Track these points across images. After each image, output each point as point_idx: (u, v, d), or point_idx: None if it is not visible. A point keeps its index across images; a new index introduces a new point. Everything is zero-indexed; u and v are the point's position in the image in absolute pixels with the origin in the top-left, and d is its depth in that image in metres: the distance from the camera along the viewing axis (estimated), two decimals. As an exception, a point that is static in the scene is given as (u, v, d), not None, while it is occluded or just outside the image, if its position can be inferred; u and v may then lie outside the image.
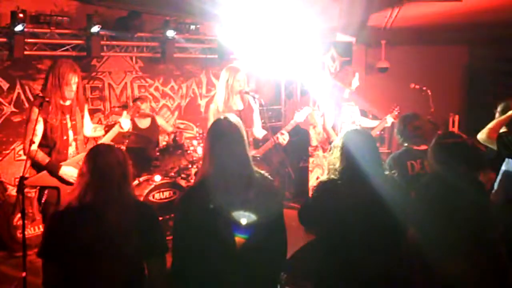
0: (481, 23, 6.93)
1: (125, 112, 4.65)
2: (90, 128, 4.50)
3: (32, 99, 5.49)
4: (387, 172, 3.17)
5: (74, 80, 4.16)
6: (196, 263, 2.53)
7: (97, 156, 2.71)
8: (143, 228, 2.65)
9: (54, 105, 4.00)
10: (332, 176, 3.02)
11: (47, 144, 4.01)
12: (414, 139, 4.31)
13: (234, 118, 2.73)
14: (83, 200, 2.60)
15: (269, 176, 2.73)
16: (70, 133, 4.17)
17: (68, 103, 4.04)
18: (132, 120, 6.37)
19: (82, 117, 4.33)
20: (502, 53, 7.93)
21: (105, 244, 2.54)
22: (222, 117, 2.71)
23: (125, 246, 2.57)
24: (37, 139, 3.93)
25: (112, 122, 4.62)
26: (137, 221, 2.63)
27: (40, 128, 3.95)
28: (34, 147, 3.90)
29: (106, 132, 4.49)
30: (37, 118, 3.92)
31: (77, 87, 4.22)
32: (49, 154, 4.06)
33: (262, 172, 2.71)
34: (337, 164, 3.02)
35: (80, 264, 2.55)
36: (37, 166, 4.01)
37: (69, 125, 4.15)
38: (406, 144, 4.34)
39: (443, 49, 8.41)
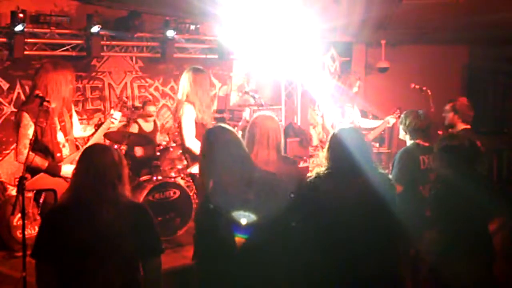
0: (481, 23, 6.93)
1: (112, 110, 4.62)
2: (79, 128, 4.44)
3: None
4: (381, 171, 3.18)
5: (72, 79, 4.16)
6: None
7: (92, 155, 2.69)
8: (138, 229, 2.63)
9: (44, 108, 3.92)
10: (319, 172, 3.02)
11: (39, 148, 3.97)
12: (423, 135, 4.37)
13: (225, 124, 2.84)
14: (77, 200, 2.59)
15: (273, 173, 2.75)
16: (60, 134, 4.13)
17: (54, 105, 3.99)
18: (138, 124, 6.43)
19: (71, 116, 4.28)
20: (502, 53, 7.93)
21: (99, 244, 2.52)
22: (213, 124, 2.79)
23: (120, 246, 2.55)
24: (28, 143, 3.89)
25: (100, 123, 4.56)
26: (132, 222, 2.61)
27: (31, 133, 3.92)
28: (27, 152, 3.87)
29: (97, 130, 4.43)
30: (28, 123, 3.91)
31: None
32: (44, 158, 4.02)
33: (269, 172, 2.73)
34: (325, 161, 3.04)
35: (73, 264, 2.53)
36: (33, 170, 3.97)
37: (58, 127, 4.11)
38: (414, 140, 4.38)
39: (443, 49, 8.41)
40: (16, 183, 4.70)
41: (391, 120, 6.12)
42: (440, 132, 5.73)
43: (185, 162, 5.27)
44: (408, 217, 3.33)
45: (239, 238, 2.57)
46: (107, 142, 5.92)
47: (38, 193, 4.03)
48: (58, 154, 4.06)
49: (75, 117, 4.38)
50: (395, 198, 3.09)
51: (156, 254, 2.72)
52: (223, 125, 2.87)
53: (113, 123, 4.42)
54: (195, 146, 4.67)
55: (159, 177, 5.78)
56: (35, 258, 2.60)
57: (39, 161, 3.93)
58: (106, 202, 2.58)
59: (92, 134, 4.38)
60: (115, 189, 2.61)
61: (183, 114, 4.70)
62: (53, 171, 3.98)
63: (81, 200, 2.58)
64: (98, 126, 4.46)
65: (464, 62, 8.92)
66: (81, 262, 2.53)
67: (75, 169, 2.73)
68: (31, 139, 3.84)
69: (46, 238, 2.58)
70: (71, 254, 2.52)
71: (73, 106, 4.42)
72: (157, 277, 2.73)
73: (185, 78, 4.79)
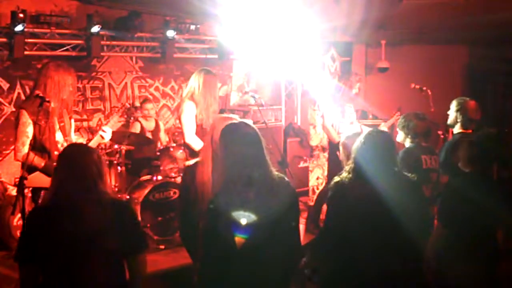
0: (481, 23, 6.93)
1: (112, 118, 4.65)
2: (74, 139, 4.49)
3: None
4: (408, 174, 3.19)
5: (73, 83, 4.19)
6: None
7: (70, 154, 2.73)
8: (121, 225, 2.63)
9: (44, 108, 3.94)
10: (342, 176, 3.05)
11: (37, 147, 3.98)
12: (423, 136, 4.38)
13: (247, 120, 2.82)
14: (58, 199, 2.59)
15: (283, 176, 2.74)
16: (59, 134, 4.14)
17: (53, 105, 4.01)
18: (139, 121, 6.45)
19: (70, 118, 4.32)
20: (502, 53, 7.93)
21: (83, 243, 2.51)
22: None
23: (103, 244, 2.55)
24: (28, 141, 3.92)
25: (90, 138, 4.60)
26: (115, 219, 2.62)
27: (30, 131, 3.94)
28: (26, 149, 3.89)
29: (87, 143, 4.46)
30: (27, 121, 3.92)
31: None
32: (40, 156, 4.03)
33: (275, 172, 2.72)
34: (349, 166, 3.07)
35: (58, 264, 2.53)
36: (30, 169, 3.96)
37: (57, 126, 4.13)
38: (414, 140, 4.38)
39: (443, 49, 8.41)
40: (15, 182, 4.70)
41: (385, 126, 6.14)
42: (440, 132, 5.74)
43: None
44: (416, 219, 3.32)
45: (239, 238, 2.57)
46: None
47: (36, 193, 4.03)
48: (56, 153, 4.07)
49: (73, 126, 4.42)
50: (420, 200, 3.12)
51: (140, 250, 2.72)
52: (245, 121, 2.86)
53: (103, 138, 4.42)
54: (194, 142, 4.76)
55: (159, 177, 5.78)
56: (19, 260, 2.58)
57: (37, 160, 3.94)
58: (87, 200, 2.58)
59: None
60: (96, 187, 2.62)
61: (183, 110, 4.79)
62: (49, 170, 3.99)
63: (62, 199, 2.58)
64: (89, 141, 4.50)
65: (464, 62, 8.92)
66: (65, 262, 2.52)
67: (55, 169, 2.74)
68: (31, 139, 3.86)
69: (29, 239, 2.58)
70: (55, 254, 2.52)
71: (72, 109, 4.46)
72: (141, 274, 2.72)
73: (196, 79, 4.86)
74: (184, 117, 4.78)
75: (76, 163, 2.64)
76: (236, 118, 3.38)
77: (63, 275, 2.53)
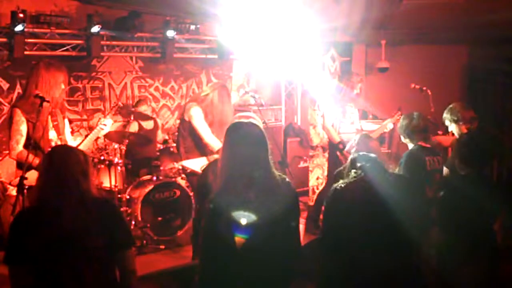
0: (481, 23, 6.92)
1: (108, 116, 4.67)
2: (70, 138, 4.49)
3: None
4: (399, 171, 3.25)
5: (64, 81, 4.20)
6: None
7: (54, 155, 2.73)
8: (106, 223, 2.64)
9: (44, 107, 3.95)
10: (341, 181, 3.09)
11: (31, 145, 3.99)
12: (424, 137, 4.39)
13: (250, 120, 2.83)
14: (42, 200, 2.61)
15: (284, 176, 2.75)
16: (53, 132, 4.15)
17: (45, 104, 4.02)
18: (138, 122, 6.45)
19: (64, 117, 4.32)
20: (502, 53, 7.92)
21: (68, 242, 2.52)
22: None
23: (89, 243, 2.56)
24: (23, 139, 3.93)
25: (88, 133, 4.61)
26: (99, 217, 2.63)
27: (24, 129, 3.95)
28: (20, 147, 3.89)
29: (86, 137, 4.47)
30: (20, 119, 3.93)
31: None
32: (34, 154, 4.03)
33: (277, 173, 2.72)
34: (347, 168, 3.13)
35: (46, 265, 2.53)
36: (27, 168, 3.97)
37: (50, 125, 4.14)
38: (415, 142, 4.39)
39: (443, 49, 8.40)
40: (11, 182, 4.70)
41: (389, 125, 6.13)
42: (440, 132, 5.74)
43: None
44: (414, 219, 3.35)
45: (239, 238, 2.57)
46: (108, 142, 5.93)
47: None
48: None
49: (67, 126, 4.42)
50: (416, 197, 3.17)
51: (127, 247, 2.73)
52: (253, 120, 2.87)
53: (102, 129, 4.45)
54: (213, 141, 4.77)
55: (159, 177, 5.78)
56: (8, 263, 2.58)
57: (31, 158, 3.95)
58: (71, 200, 2.59)
59: (82, 141, 4.41)
60: (79, 186, 2.63)
61: (192, 116, 4.80)
62: None
63: (46, 200, 2.60)
64: (87, 135, 4.51)
65: (464, 62, 8.90)
66: (53, 262, 2.53)
67: (40, 170, 2.75)
68: (25, 137, 3.87)
69: (17, 241, 2.58)
70: (42, 254, 2.52)
71: (65, 109, 4.46)
72: (131, 270, 2.73)
73: (214, 94, 4.92)
74: (197, 121, 4.80)
75: (58, 163, 2.65)
76: (254, 117, 3.40)
77: (52, 275, 2.54)
